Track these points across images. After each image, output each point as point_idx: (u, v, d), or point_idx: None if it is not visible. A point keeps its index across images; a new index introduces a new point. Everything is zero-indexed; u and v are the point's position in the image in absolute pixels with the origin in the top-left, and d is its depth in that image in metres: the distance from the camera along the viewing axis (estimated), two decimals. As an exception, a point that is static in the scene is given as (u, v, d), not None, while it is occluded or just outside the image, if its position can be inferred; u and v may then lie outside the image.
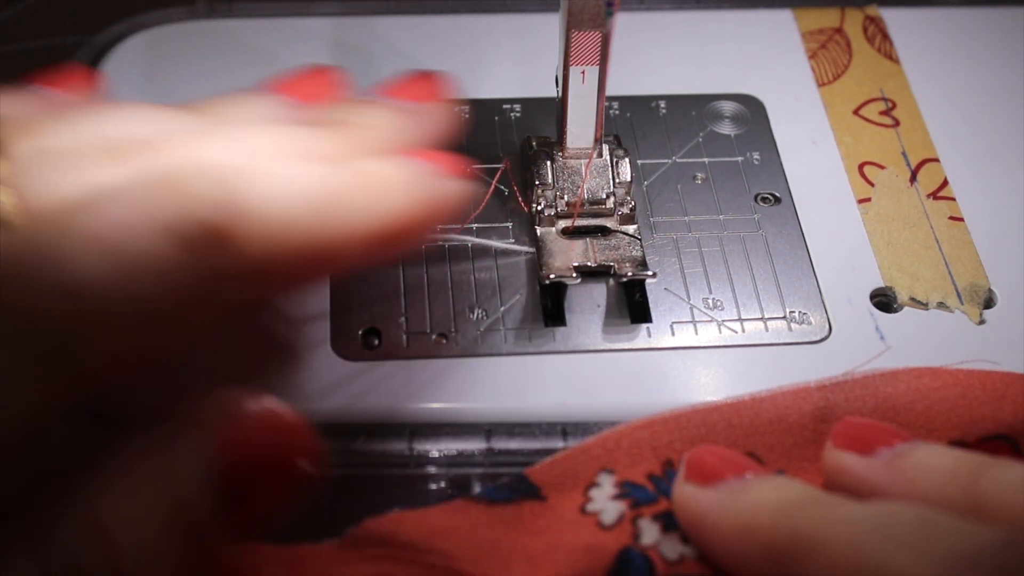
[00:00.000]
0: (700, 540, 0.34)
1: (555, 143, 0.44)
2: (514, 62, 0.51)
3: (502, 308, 0.42)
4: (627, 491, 0.36)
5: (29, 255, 0.29)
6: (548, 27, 0.46)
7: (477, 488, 0.38)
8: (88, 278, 0.29)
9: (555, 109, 0.43)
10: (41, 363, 0.28)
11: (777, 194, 0.46)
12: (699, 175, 0.47)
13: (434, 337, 0.41)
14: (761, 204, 0.46)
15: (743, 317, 0.42)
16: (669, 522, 0.36)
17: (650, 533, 0.35)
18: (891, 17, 0.53)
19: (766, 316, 0.42)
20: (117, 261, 0.29)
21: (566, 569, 0.35)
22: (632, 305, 0.42)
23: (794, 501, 0.32)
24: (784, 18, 0.53)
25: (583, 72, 0.41)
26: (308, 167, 0.34)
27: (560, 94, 0.42)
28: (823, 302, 0.43)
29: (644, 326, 0.42)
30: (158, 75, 0.49)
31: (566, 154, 0.43)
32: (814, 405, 0.38)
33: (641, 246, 0.43)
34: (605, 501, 0.36)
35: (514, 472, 0.37)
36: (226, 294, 0.32)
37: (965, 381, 0.38)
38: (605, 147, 0.44)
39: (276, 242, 0.32)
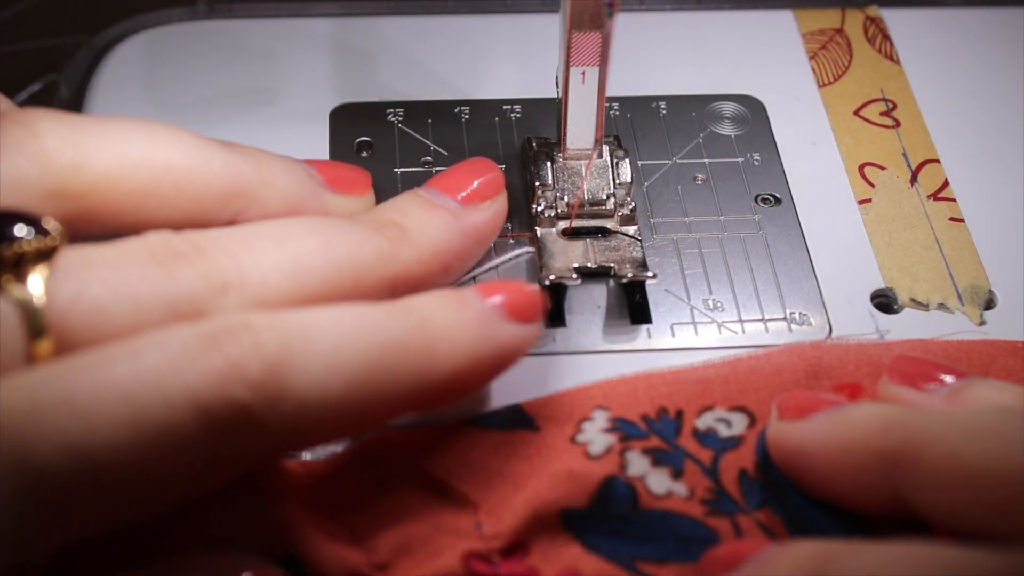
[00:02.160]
0: (800, 468, 0.35)
1: (555, 144, 0.44)
2: (514, 62, 0.51)
3: (502, 309, 0.42)
4: (619, 426, 0.37)
5: (46, 405, 0.27)
6: (548, 27, 0.46)
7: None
8: (103, 439, 0.27)
9: (555, 110, 0.43)
10: (35, 511, 0.27)
11: (777, 195, 0.46)
12: (699, 176, 0.47)
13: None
14: (761, 205, 0.46)
15: (743, 318, 0.42)
16: (660, 457, 0.36)
17: (638, 465, 0.36)
18: (891, 17, 0.53)
19: (766, 317, 0.42)
20: (136, 425, 0.28)
21: (549, 493, 0.35)
22: (632, 306, 0.42)
23: (901, 411, 0.33)
24: (784, 18, 0.53)
25: (583, 73, 0.41)
26: (364, 317, 0.31)
27: (560, 95, 0.42)
28: (823, 303, 0.43)
29: (644, 327, 0.42)
30: (158, 75, 0.49)
31: (566, 155, 0.43)
32: (808, 361, 0.38)
33: (641, 247, 0.43)
34: (596, 433, 0.37)
35: None
36: (247, 463, 0.31)
37: (954, 354, 0.39)
38: (605, 148, 0.44)
39: (316, 419, 0.31)
